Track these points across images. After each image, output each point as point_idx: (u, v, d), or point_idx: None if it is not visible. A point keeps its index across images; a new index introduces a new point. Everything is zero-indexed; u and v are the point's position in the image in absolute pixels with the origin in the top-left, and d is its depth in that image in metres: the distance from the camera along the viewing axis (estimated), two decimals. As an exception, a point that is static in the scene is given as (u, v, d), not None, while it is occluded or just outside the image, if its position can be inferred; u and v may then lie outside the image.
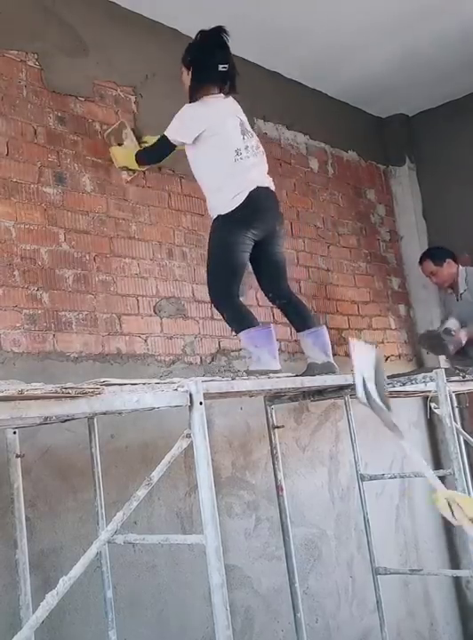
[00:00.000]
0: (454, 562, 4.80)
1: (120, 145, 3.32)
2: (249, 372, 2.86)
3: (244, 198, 2.94)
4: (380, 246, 5.09)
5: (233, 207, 2.94)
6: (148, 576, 3.05)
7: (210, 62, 3.04)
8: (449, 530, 4.83)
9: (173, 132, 3.04)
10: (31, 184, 3.01)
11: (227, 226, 2.96)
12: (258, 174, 3.06)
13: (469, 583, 4.72)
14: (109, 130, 3.34)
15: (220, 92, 3.07)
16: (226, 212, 2.96)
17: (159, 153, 3.21)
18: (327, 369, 3.02)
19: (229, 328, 3.11)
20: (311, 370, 3.05)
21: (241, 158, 2.99)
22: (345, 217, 4.81)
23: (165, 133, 3.07)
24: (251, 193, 2.95)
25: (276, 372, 2.87)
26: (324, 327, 3.18)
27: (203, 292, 3.62)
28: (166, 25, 3.78)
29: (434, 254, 4.41)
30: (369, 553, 3.33)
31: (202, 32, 3.11)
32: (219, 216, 2.99)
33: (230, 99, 3.11)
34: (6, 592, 2.54)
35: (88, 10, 3.42)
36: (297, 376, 2.89)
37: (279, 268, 3.15)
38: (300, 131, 4.58)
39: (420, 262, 4.47)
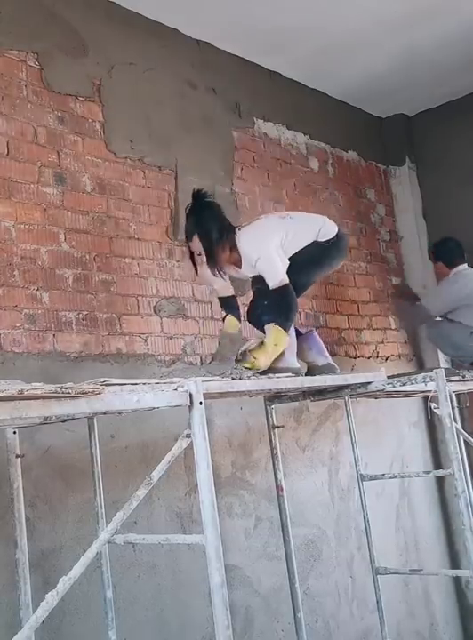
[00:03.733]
0: (454, 562, 4.80)
1: (243, 354, 2.93)
2: (274, 370, 2.83)
3: (336, 230, 3.07)
4: (380, 246, 5.09)
5: (333, 234, 3.04)
6: (148, 576, 3.05)
7: (221, 226, 2.95)
8: (449, 530, 4.84)
9: (281, 272, 2.86)
10: (31, 184, 3.01)
11: (333, 251, 3.07)
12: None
13: (469, 583, 4.72)
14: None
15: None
16: (329, 238, 3.03)
17: (292, 301, 2.87)
18: (328, 370, 3.05)
19: (277, 312, 2.86)
20: (312, 372, 3.06)
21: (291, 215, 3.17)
22: (345, 217, 4.80)
23: (282, 282, 2.84)
24: (342, 231, 3.13)
25: (297, 370, 2.90)
26: (315, 331, 3.24)
27: (202, 292, 3.63)
28: (166, 25, 3.78)
29: (436, 251, 4.49)
30: (369, 553, 3.33)
31: (191, 210, 2.97)
32: (326, 241, 3.03)
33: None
34: (6, 592, 2.54)
35: (88, 10, 3.42)
36: (297, 376, 2.89)
37: (298, 290, 3.06)
38: (300, 131, 4.58)
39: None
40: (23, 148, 3.02)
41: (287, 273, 2.90)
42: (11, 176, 2.95)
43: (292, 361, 2.90)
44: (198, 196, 2.95)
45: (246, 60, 4.25)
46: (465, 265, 4.30)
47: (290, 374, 2.80)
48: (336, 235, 3.07)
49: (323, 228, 3.07)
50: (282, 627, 3.56)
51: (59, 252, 3.05)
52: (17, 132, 3.01)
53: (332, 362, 3.13)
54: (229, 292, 3.15)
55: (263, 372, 2.81)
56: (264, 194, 4.18)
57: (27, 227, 2.95)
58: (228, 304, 3.14)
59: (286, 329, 2.83)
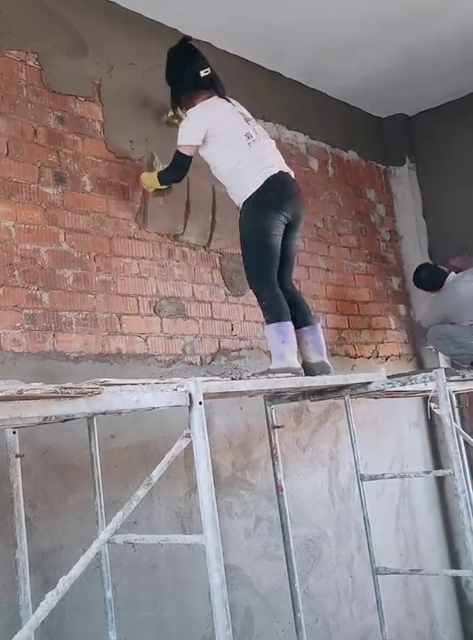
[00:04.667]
0: (454, 562, 4.80)
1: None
2: (273, 371, 2.81)
3: (266, 177, 2.94)
4: (380, 246, 5.09)
5: (256, 187, 2.92)
6: (148, 576, 3.05)
7: (191, 72, 3.12)
8: (449, 530, 4.84)
9: (183, 139, 3.06)
10: (31, 184, 3.01)
11: (258, 209, 2.93)
12: (278, 159, 3.10)
13: (469, 583, 4.72)
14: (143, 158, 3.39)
15: (213, 96, 3.11)
16: (250, 193, 2.93)
17: (176, 167, 3.14)
18: (321, 369, 3.01)
19: (263, 315, 2.97)
20: (305, 369, 3.04)
21: (253, 141, 3.03)
22: (345, 217, 4.81)
23: (177, 147, 3.08)
24: (275, 176, 2.97)
25: (297, 370, 2.86)
26: (320, 326, 3.17)
27: (202, 292, 3.63)
28: (166, 25, 3.78)
29: (416, 284, 4.59)
30: (369, 553, 3.33)
31: (170, 50, 3.21)
32: (246, 201, 2.95)
33: (226, 98, 3.16)
34: (6, 592, 2.54)
35: (88, 10, 3.42)
36: (297, 376, 2.89)
37: (291, 260, 3.13)
38: (300, 130, 4.59)
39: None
40: (23, 147, 3.02)
41: (248, 252, 2.96)
42: (11, 176, 2.95)
43: (292, 361, 2.89)
44: (183, 40, 3.18)
45: (246, 60, 4.25)
46: (450, 275, 4.34)
47: (290, 374, 2.80)
48: (260, 186, 2.93)
49: (240, 180, 2.96)
50: (282, 627, 3.56)
51: (59, 251, 3.05)
52: (17, 131, 3.02)
53: (326, 360, 3.06)
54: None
55: (263, 373, 2.82)
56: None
57: (27, 227, 2.95)
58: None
59: (158, 176, 3.20)
